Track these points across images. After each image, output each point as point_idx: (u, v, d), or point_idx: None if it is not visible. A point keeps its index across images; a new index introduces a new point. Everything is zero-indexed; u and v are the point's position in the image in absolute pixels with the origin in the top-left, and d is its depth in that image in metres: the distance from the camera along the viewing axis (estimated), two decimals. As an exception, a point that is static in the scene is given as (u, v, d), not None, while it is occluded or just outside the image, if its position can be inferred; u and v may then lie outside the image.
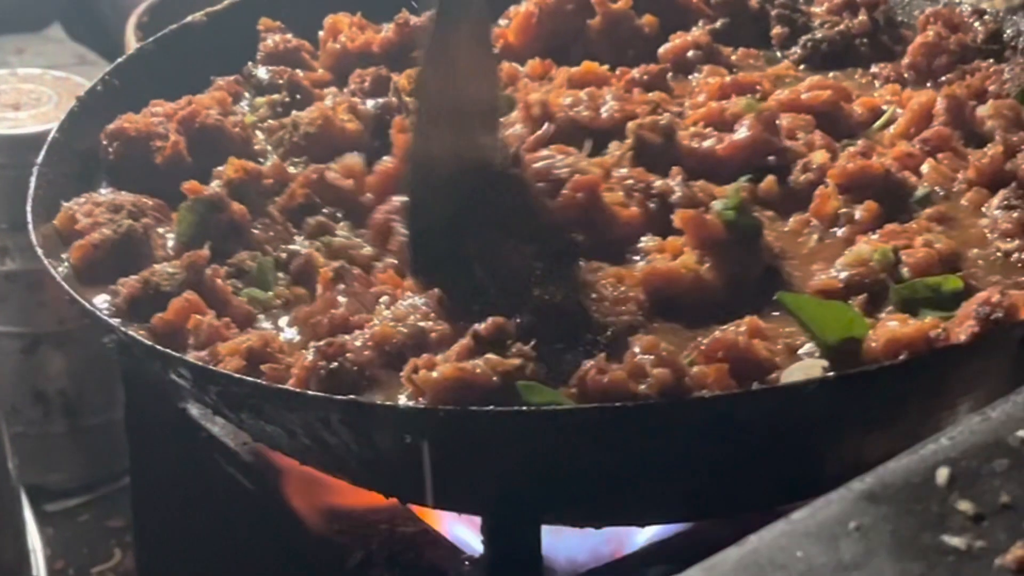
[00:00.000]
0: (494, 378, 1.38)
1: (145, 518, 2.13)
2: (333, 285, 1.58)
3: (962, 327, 1.39)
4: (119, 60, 2.03)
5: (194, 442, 1.84)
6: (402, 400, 1.41)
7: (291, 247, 1.69)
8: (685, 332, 1.51)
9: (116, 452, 2.44)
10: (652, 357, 1.39)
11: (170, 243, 1.69)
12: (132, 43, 2.63)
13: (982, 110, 1.82)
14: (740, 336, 1.43)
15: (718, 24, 2.17)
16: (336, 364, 1.43)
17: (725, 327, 1.47)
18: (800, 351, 1.46)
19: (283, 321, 1.59)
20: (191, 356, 1.48)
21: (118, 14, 3.01)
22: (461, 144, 1.65)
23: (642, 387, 1.36)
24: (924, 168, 1.74)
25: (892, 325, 1.42)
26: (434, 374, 1.38)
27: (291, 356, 1.49)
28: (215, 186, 1.75)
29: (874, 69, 2.07)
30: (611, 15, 2.12)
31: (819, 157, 1.74)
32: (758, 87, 1.94)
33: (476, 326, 1.45)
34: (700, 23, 2.18)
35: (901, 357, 1.37)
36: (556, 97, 1.86)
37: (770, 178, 1.73)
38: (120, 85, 1.95)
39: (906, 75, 2.04)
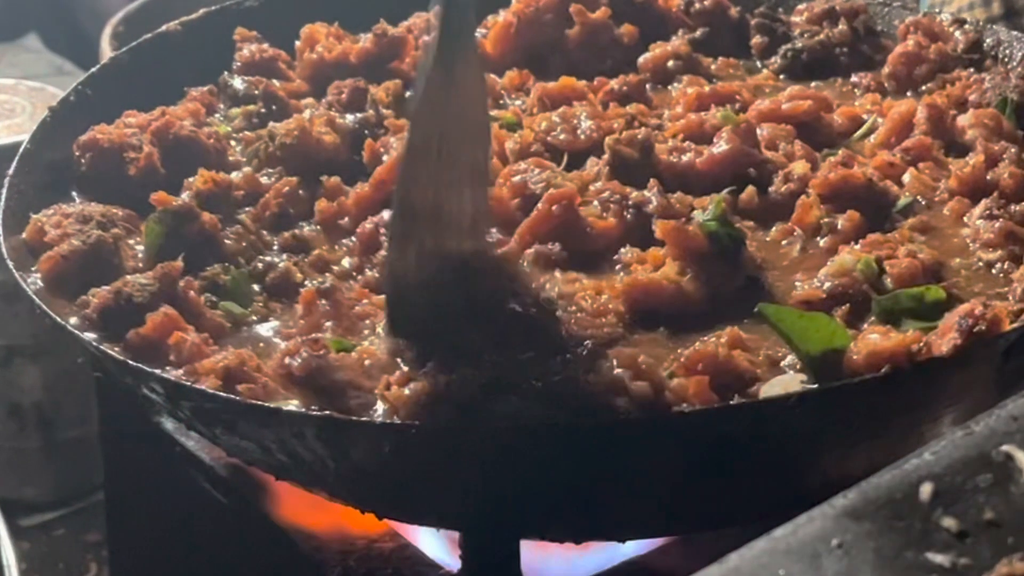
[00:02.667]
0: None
1: (120, 533, 2.11)
2: (315, 305, 1.55)
3: (944, 339, 1.37)
4: (92, 70, 2.01)
5: (169, 456, 1.81)
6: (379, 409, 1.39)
7: (266, 258, 1.67)
8: (665, 344, 1.49)
9: (92, 466, 2.41)
10: (631, 371, 1.37)
11: (141, 255, 1.67)
12: (107, 53, 2.61)
13: (963, 119, 1.81)
14: (720, 348, 1.41)
15: (697, 33, 2.16)
16: (320, 355, 1.42)
17: (706, 338, 1.45)
18: (782, 363, 1.44)
19: (260, 330, 1.58)
20: (170, 374, 1.45)
21: (95, 24, 2.99)
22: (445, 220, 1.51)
23: (621, 401, 1.34)
24: (906, 178, 1.73)
25: (873, 338, 1.40)
26: (406, 391, 1.36)
27: (268, 374, 1.46)
28: (185, 197, 1.73)
29: (854, 78, 2.06)
30: (590, 25, 2.10)
31: (799, 168, 1.73)
32: (737, 97, 1.93)
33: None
34: (679, 33, 2.17)
35: (883, 370, 1.35)
36: (531, 123, 1.85)
37: (750, 189, 1.72)
38: (93, 95, 1.93)
39: (886, 84, 2.03)
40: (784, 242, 1.66)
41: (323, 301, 1.55)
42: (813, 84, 2.05)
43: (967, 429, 1.11)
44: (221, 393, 1.39)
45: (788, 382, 1.38)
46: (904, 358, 1.36)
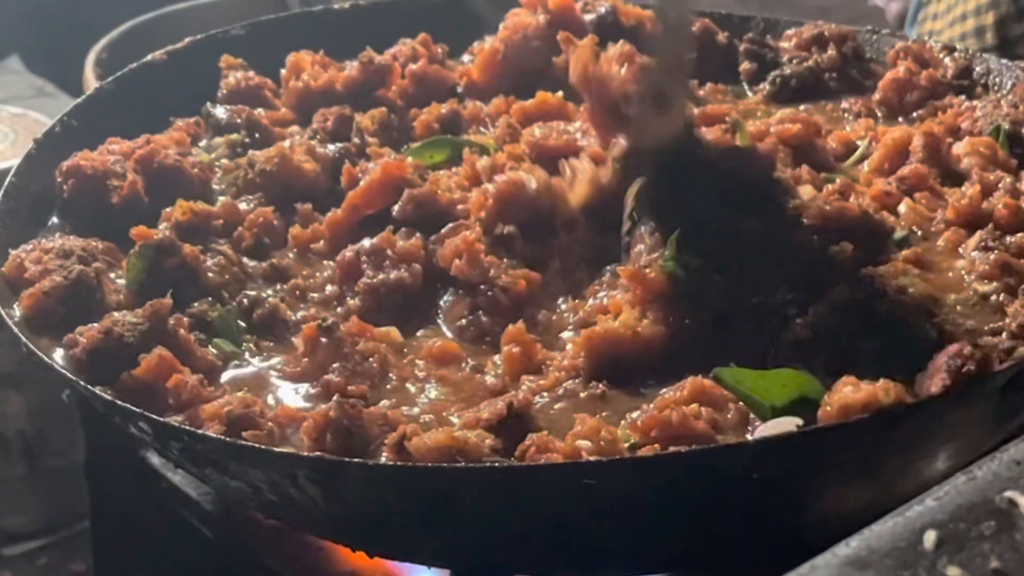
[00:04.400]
0: (487, 447, 1.35)
1: (105, 565, 2.09)
2: (317, 343, 1.52)
3: (934, 379, 1.35)
4: (78, 100, 1.99)
5: (155, 490, 1.79)
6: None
7: (251, 292, 1.65)
8: (633, 396, 1.47)
9: (77, 494, 2.39)
10: (590, 444, 1.35)
11: (123, 288, 1.64)
12: (91, 80, 2.59)
13: (958, 148, 1.80)
14: (673, 413, 1.37)
15: None
16: (354, 428, 1.38)
17: (667, 393, 1.43)
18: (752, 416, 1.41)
19: (251, 366, 1.56)
20: (171, 419, 1.43)
21: (77, 45, 2.97)
22: None
23: None
24: (901, 208, 1.71)
25: (847, 390, 1.36)
26: (427, 441, 1.33)
27: (274, 417, 1.44)
28: (163, 229, 1.71)
29: (844, 104, 2.05)
30: None
31: (806, 192, 1.72)
32: (727, 119, 1.92)
33: (514, 398, 1.41)
34: None
35: (876, 410, 1.31)
36: (511, 149, 1.83)
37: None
38: (79, 125, 1.91)
39: (877, 111, 2.02)
40: None
41: (324, 339, 1.52)
42: (802, 108, 2.04)
43: (970, 474, 1.10)
44: (209, 433, 1.38)
45: (784, 424, 1.36)
46: (876, 409, 1.32)
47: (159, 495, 1.79)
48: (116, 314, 1.56)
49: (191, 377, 1.47)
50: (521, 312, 1.60)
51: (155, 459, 1.79)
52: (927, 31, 2.73)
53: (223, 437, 1.37)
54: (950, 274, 1.61)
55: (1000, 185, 1.70)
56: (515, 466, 1.32)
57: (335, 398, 1.41)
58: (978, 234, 1.63)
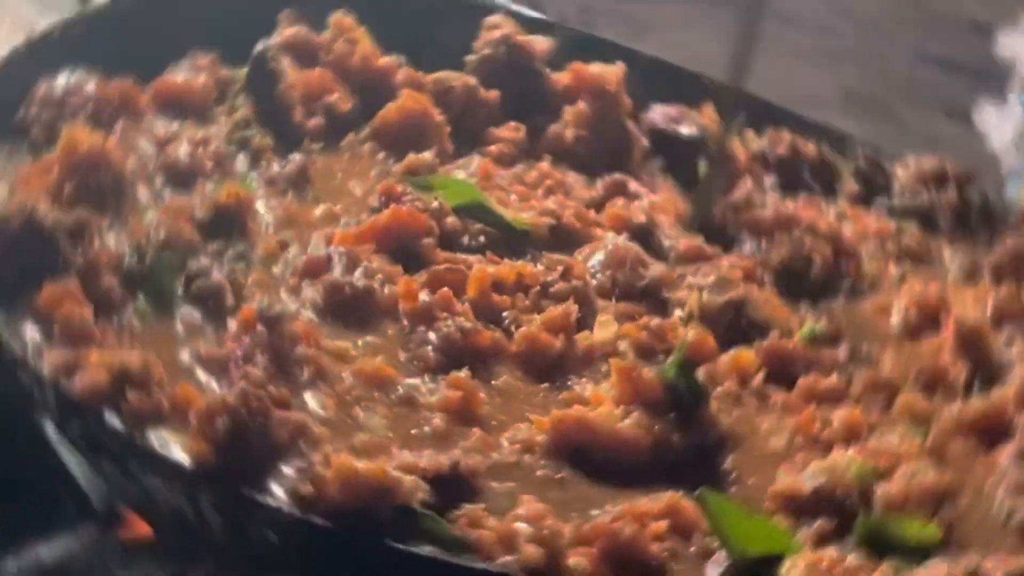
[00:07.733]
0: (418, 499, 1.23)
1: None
2: (253, 329, 1.37)
3: None
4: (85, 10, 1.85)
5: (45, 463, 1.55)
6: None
7: (198, 264, 1.50)
8: (598, 487, 1.35)
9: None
10: (531, 531, 1.23)
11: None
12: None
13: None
14: (627, 527, 1.25)
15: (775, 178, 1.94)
16: (253, 423, 1.24)
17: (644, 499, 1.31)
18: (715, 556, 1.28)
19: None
20: (54, 352, 1.32)
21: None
22: None
23: (508, 559, 1.20)
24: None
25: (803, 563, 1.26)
26: (357, 466, 1.21)
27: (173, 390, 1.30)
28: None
29: (947, 252, 1.85)
30: None
31: None
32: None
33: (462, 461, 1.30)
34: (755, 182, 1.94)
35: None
36: None
37: None
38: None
39: (988, 274, 1.79)
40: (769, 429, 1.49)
41: (261, 328, 1.36)
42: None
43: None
44: (116, 425, 1.25)
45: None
46: None
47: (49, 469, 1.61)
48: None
49: (87, 311, 1.37)
50: (477, 363, 1.47)
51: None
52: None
53: (132, 437, 1.25)
54: (967, 476, 1.45)
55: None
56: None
57: (241, 384, 1.26)
58: (1018, 440, 1.47)
